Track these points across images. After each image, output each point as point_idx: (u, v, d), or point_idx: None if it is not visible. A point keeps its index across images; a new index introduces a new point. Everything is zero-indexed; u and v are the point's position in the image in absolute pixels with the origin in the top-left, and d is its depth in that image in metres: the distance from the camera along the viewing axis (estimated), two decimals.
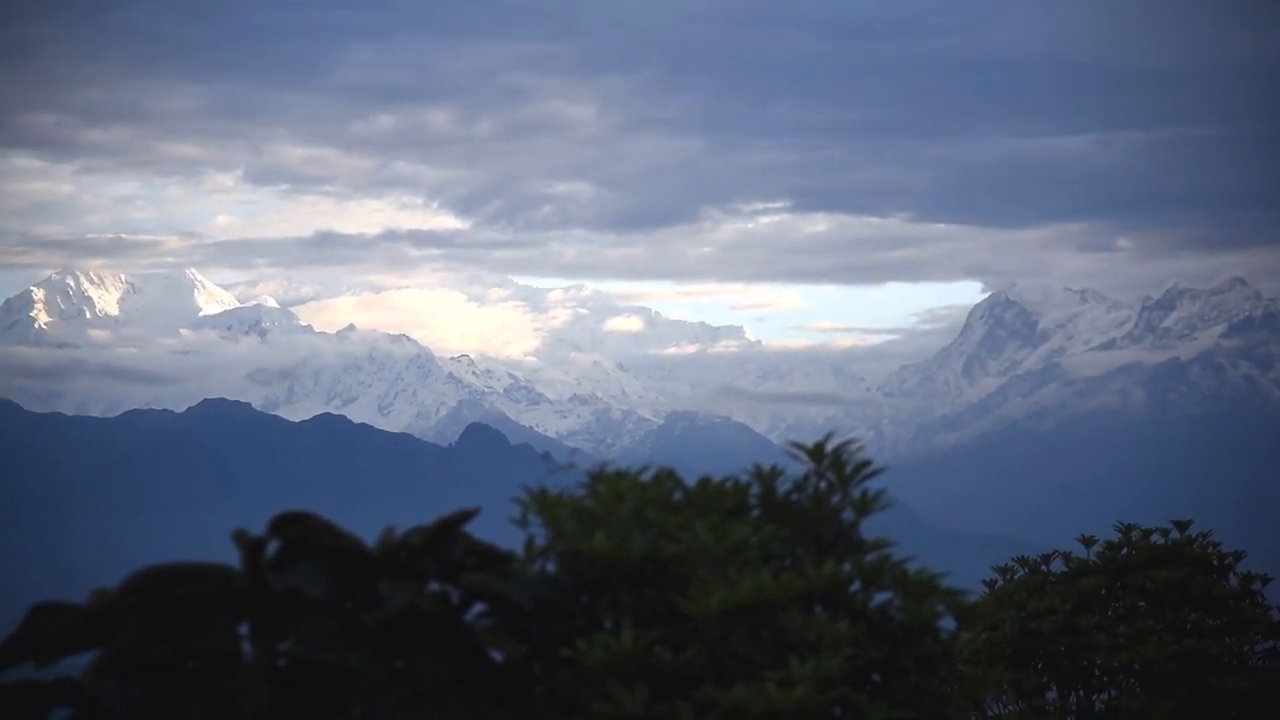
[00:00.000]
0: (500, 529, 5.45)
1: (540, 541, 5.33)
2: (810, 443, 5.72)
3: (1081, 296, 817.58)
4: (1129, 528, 18.82)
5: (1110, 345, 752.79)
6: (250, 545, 4.72)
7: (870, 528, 5.67)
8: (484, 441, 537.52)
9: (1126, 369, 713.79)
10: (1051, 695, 17.66)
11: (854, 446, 5.72)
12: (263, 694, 4.63)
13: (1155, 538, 18.67)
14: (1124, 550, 18.53)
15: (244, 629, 4.78)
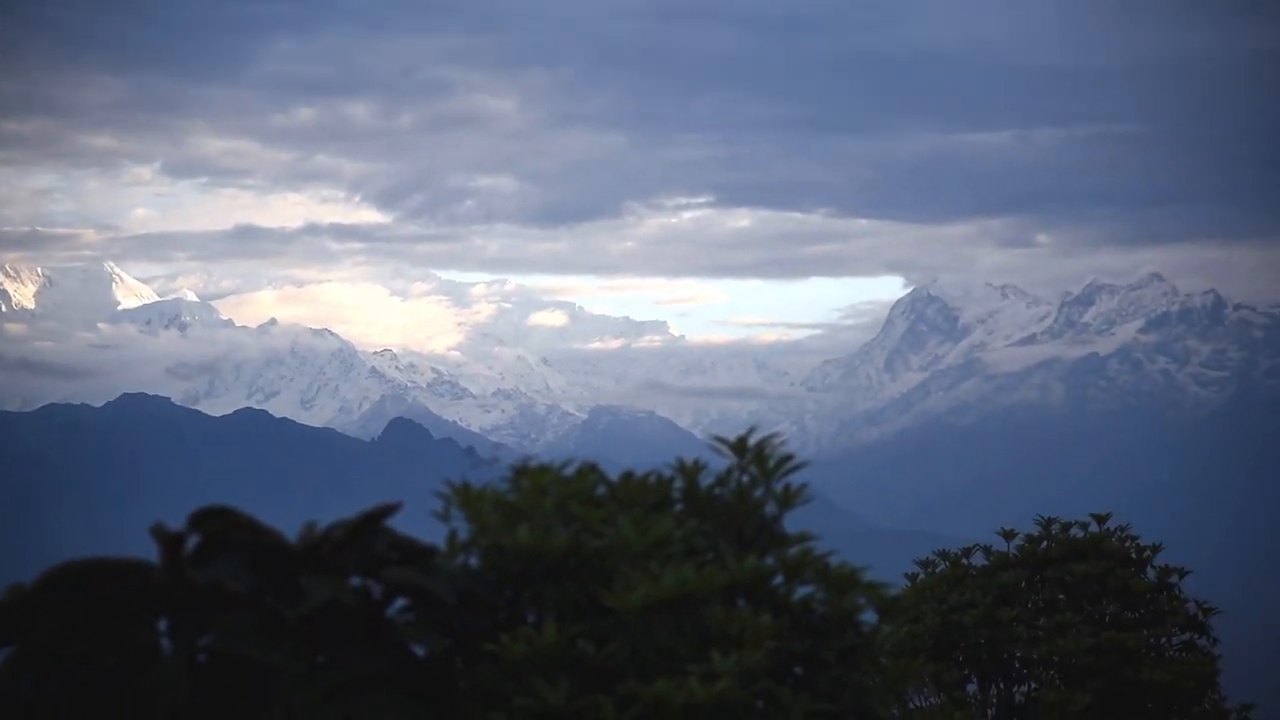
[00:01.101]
0: (424, 523, 5.43)
1: (463, 536, 5.31)
2: (733, 437, 5.74)
3: (1002, 292, 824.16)
4: (1048, 521, 18.99)
5: (1030, 340, 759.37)
6: (169, 540, 4.68)
7: (793, 522, 5.69)
8: (407, 436, 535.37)
9: (1046, 364, 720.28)
10: (972, 688, 17.80)
11: (776, 441, 5.74)
12: (182, 690, 4.59)
13: (1074, 531, 18.85)
14: (1044, 544, 18.70)
15: (163, 625, 4.74)
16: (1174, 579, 18.80)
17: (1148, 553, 18.91)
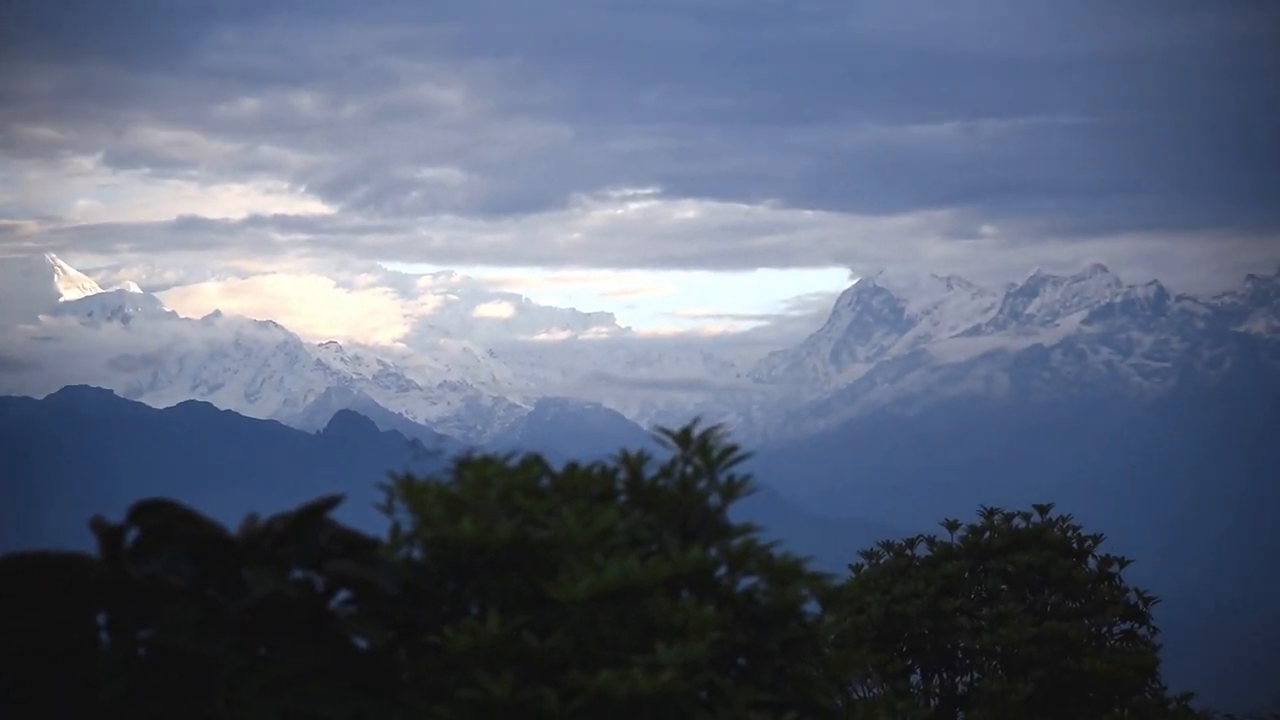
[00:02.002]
0: (369, 516, 5.41)
1: (407, 528, 5.30)
2: (678, 428, 5.74)
3: (947, 283, 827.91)
4: (991, 512, 19.12)
5: (975, 331, 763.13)
6: (108, 533, 4.65)
7: (738, 513, 5.70)
8: (352, 428, 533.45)
9: (991, 355, 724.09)
10: (915, 678, 17.90)
11: (720, 432, 5.74)
12: (123, 683, 4.57)
13: (1017, 522, 18.98)
14: (986, 534, 18.82)
15: (103, 619, 4.71)
16: (1115, 569, 18.96)
17: (1089, 543, 19.06)
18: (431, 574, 5.14)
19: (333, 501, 4.99)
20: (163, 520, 4.76)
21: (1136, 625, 18.62)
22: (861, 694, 16.90)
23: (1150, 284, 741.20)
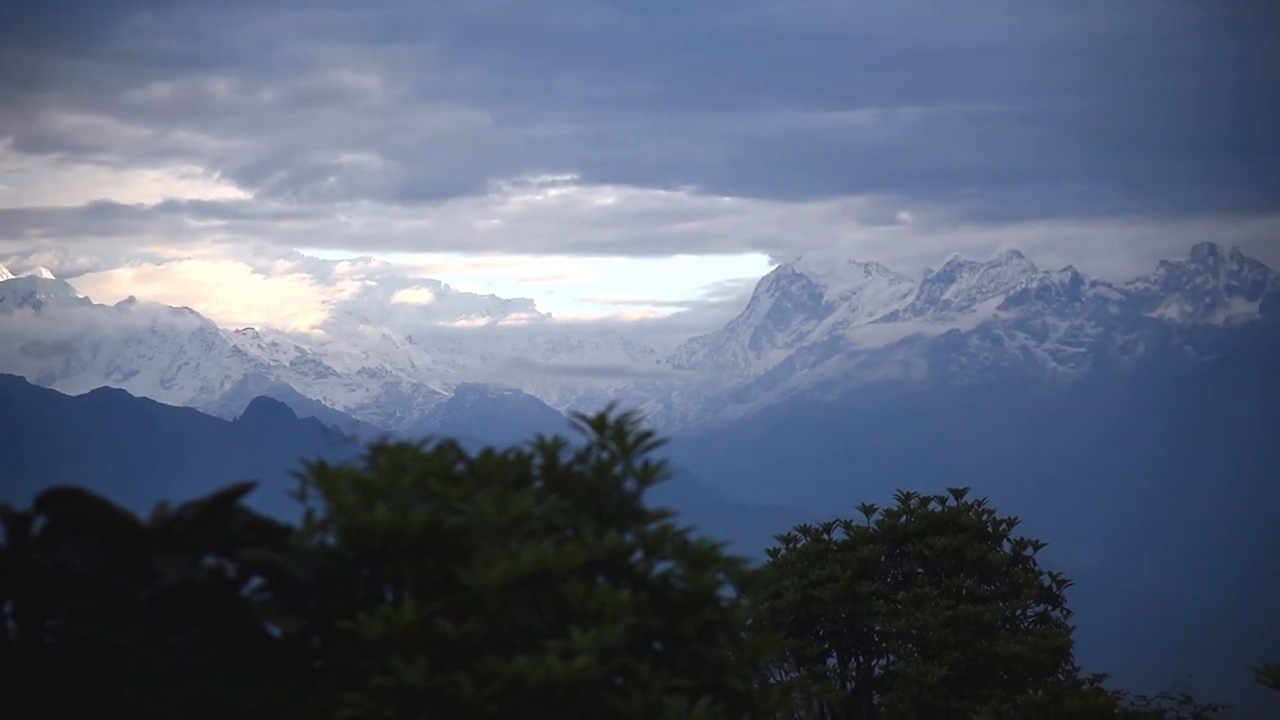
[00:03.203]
0: (287, 504, 5.38)
1: (321, 515, 5.26)
2: (595, 414, 5.74)
3: (865, 269, 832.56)
4: (907, 496, 19.26)
5: (893, 317, 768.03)
6: (13, 521, 4.60)
7: (658, 498, 5.70)
8: (270, 415, 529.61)
9: (909, 340, 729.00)
10: (832, 661, 18.01)
11: (635, 417, 5.74)
12: (31, 672, 4.52)
13: (933, 506, 19.13)
14: (903, 518, 18.96)
15: (9, 607, 4.65)
16: (1029, 552, 19.16)
17: (1004, 526, 19.24)
18: (345, 561, 5.11)
19: (244, 488, 4.95)
20: (72, 508, 4.71)
21: (1050, 607, 18.82)
22: (779, 678, 17.00)
23: (1065, 270, 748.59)
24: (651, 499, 5.70)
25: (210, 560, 4.87)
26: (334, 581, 5.04)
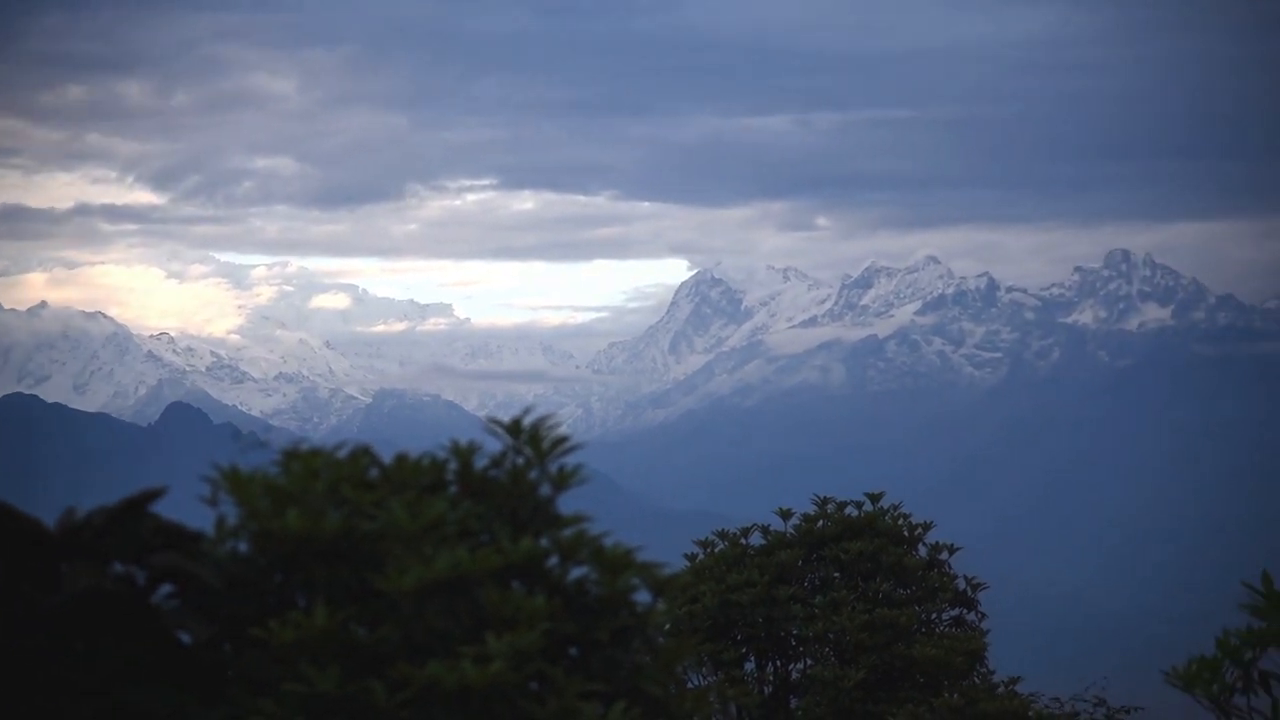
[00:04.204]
0: (202, 510, 5.33)
1: (233, 521, 5.22)
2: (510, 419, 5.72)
3: (784, 274, 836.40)
4: (824, 501, 19.36)
5: (811, 322, 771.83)
6: None
7: (576, 503, 5.69)
8: (185, 421, 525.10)
9: (827, 345, 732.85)
10: (750, 666, 18.06)
11: (551, 422, 5.73)
12: None
13: (850, 510, 19.24)
14: (820, 523, 19.05)
15: None
16: (945, 556, 19.31)
17: (919, 531, 19.37)
18: (257, 567, 5.07)
19: (154, 494, 4.90)
20: None
21: (965, 611, 18.97)
22: (696, 683, 17.01)
23: (981, 275, 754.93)
24: (570, 504, 5.70)
25: (119, 567, 4.81)
26: (245, 588, 5.00)
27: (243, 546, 5.15)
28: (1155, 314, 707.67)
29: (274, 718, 4.72)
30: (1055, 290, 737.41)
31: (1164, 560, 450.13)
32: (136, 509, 4.85)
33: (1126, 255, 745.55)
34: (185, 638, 4.82)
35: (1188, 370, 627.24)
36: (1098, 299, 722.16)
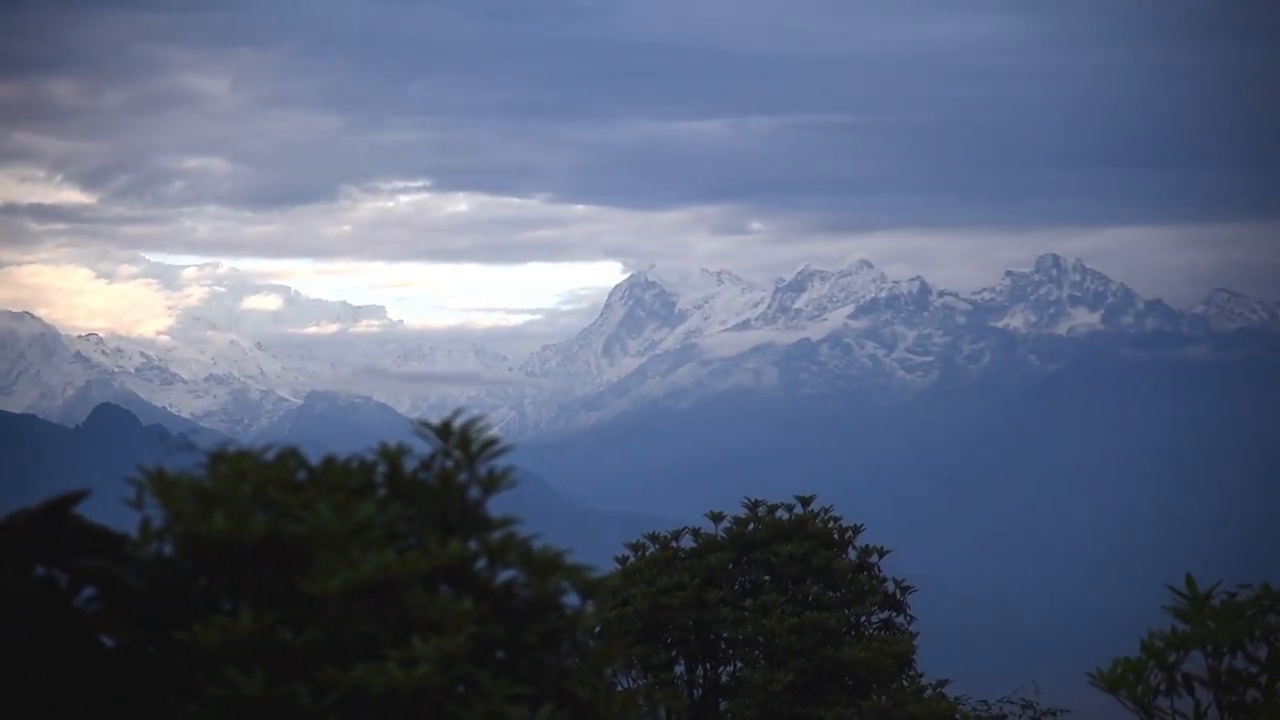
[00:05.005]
0: (130, 513, 5.28)
1: (158, 523, 5.18)
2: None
3: (718, 278, 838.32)
4: (755, 504, 19.40)
5: (745, 326, 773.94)
6: None
7: (509, 506, 5.68)
8: (113, 422, 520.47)
9: (760, 349, 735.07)
10: (680, 669, 18.08)
11: (481, 424, 5.72)
12: None
13: (781, 514, 19.29)
14: (751, 526, 19.09)
15: None
16: (874, 559, 19.39)
17: (849, 534, 19.45)
18: (182, 570, 5.03)
19: (77, 496, 4.86)
20: None
21: (894, 614, 19.06)
22: (626, 685, 17.03)
23: (913, 280, 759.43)
24: (502, 507, 5.68)
25: (41, 570, 4.77)
26: (170, 591, 4.96)
27: (168, 549, 5.12)
28: (1085, 318, 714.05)
29: None
30: (986, 294, 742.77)
31: (1102, 563, 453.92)
32: (59, 511, 4.81)
33: (1057, 260, 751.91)
34: (108, 641, 4.78)
35: (1116, 374, 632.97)
36: (1028, 303, 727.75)
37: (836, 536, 19.20)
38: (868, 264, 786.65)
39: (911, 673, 18.25)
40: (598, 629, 5.62)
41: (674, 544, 18.92)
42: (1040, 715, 22.21)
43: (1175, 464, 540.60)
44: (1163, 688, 7.41)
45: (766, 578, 18.62)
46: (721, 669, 18.10)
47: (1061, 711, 22.33)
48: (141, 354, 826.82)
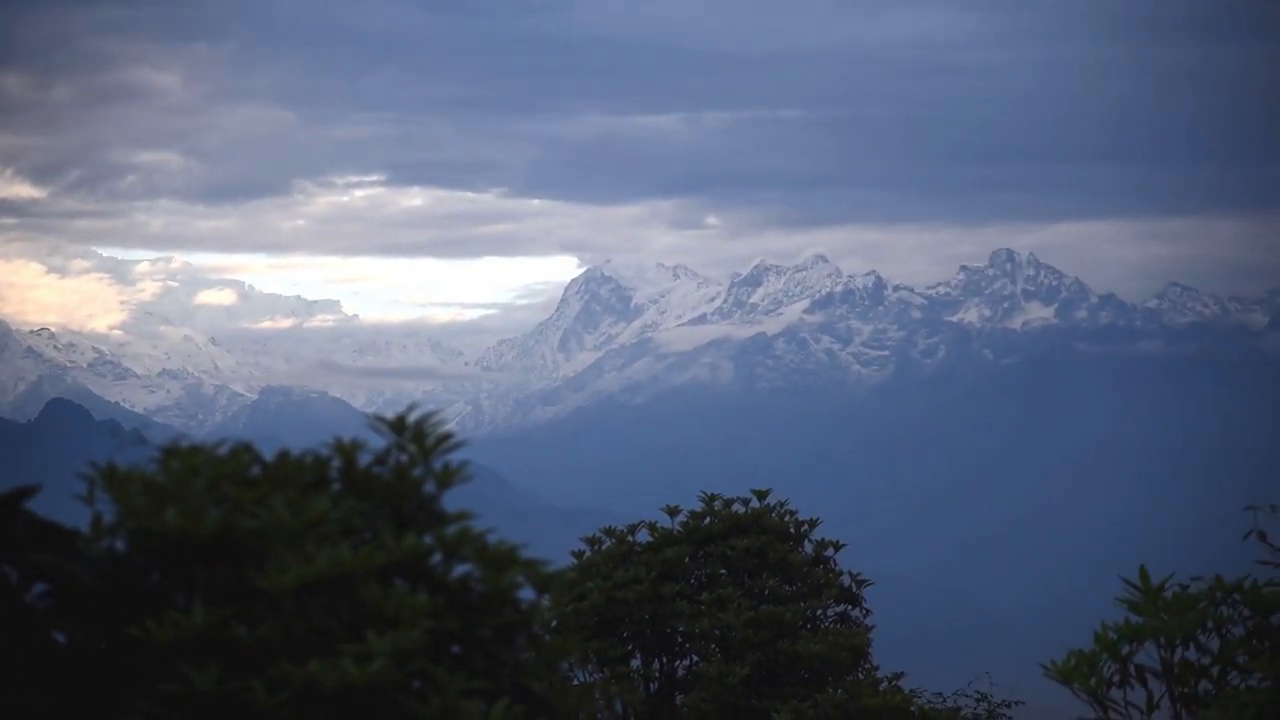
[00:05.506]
0: (81, 508, 5.25)
1: (110, 519, 5.15)
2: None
3: (674, 272, 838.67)
4: (711, 497, 19.43)
5: (701, 320, 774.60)
6: None
7: (465, 501, 5.68)
8: (66, 418, 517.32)
9: (716, 343, 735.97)
10: (636, 663, 18.10)
11: (436, 419, 5.72)
12: None
13: (736, 507, 19.33)
14: (707, 520, 19.12)
15: None
16: (830, 553, 19.45)
17: (806, 527, 19.50)
18: (135, 565, 5.01)
19: (28, 491, 4.83)
20: None
21: (850, 607, 19.13)
22: (582, 679, 17.03)
23: (869, 274, 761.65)
24: (459, 501, 5.68)
25: None
26: (122, 586, 4.93)
27: (120, 545, 5.09)
28: (1039, 313, 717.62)
29: (151, 718, 4.67)
30: (941, 289, 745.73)
31: (1061, 558, 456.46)
32: (10, 506, 4.78)
33: (1011, 255, 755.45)
34: (60, 637, 4.75)
35: (1070, 368, 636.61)
36: (983, 298, 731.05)
37: (793, 530, 19.25)
38: (823, 259, 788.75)
39: (867, 665, 18.33)
40: (553, 623, 5.62)
41: (630, 538, 18.94)
42: (995, 707, 22.33)
43: (1127, 457, 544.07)
44: (1116, 679, 7.46)
45: (723, 571, 18.66)
46: (678, 663, 18.13)
47: (1016, 703, 22.46)
48: (94, 349, 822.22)
